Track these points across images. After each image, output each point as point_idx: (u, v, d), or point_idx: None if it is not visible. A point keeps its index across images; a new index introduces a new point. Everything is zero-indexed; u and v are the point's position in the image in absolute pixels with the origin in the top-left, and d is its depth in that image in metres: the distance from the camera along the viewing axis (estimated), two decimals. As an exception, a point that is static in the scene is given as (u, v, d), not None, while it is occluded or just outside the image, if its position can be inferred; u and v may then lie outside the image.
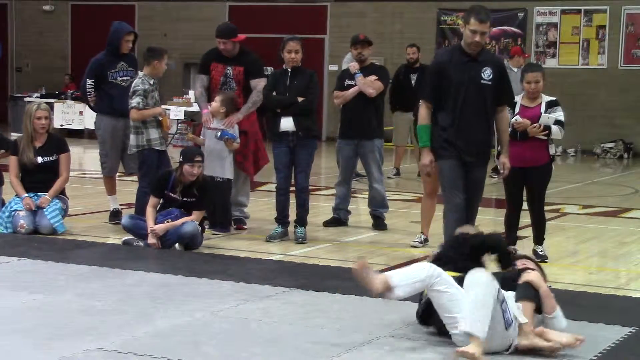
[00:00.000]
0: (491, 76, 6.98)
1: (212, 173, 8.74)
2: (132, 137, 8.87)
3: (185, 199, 8.14)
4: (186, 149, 8.40)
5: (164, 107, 9.27)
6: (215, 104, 8.85)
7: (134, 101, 8.70)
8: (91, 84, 9.48)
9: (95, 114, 9.70)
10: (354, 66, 9.39)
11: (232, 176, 8.95)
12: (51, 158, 8.87)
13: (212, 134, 8.84)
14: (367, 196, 9.85)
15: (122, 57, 9.46)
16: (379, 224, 9.52)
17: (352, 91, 9.34)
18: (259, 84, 9.09)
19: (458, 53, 7.07)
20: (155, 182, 8.35)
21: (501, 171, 7.28)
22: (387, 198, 9.71)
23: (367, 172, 9.66)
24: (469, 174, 7.11)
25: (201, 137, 8.99)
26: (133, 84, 8.83)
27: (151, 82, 8.82)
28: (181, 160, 8.13)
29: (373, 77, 9.34)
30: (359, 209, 10.34)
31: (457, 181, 7.08)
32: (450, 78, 6.96)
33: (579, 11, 19.55)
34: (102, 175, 9.77)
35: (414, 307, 5.78)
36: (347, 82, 9.44)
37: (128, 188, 9.65)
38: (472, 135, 7.00)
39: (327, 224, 9.57)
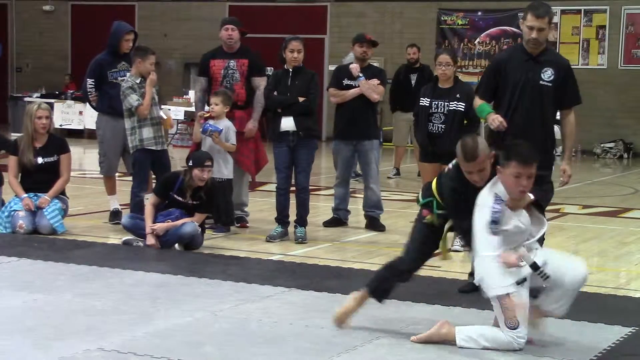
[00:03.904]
0: (552, 77, 6.54)
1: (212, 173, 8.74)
2: (128, 138, 8.90)
3: (191, 202, 8.14)
4: (196, 153, 8.36)
5: (164, 106, 9.25)
6: (217, 107, 8.82)
7: (134, 101, 8.69)
8: (91, 84, 9.49)
9: (96, 114, 9.72)
10: (356, 68, 9.28)
11: (232, 176, 8.96)
12: (52, 159, 8.87)
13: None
14: (366, 196, 9.83)
15: (122, 56, 9.47)
16: (375, 224, 9.49)
17: (352, 92, 9.27)
18: (261, 83, 9.12)
19: (518, 52, 6.67)
20: (161, 183, 8.35)
21: (561, 179, 6.77)
22: (387, 198, 9.69)
23: (365, 173, 9.60)
24: None
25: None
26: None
27: (137, 81, 8.79)
28: (191, 164, 8.11)
29: (376, 81, 9.27)
30: (359, 209, 10.33)
31: None
32: (506, 77, 6.58)
33: (579, 11, 19.55)
34: (102, 175, 9.77)
35: (414, 307, 5.79)
36: (345, 82, 9.35)
37: (128, 188, 9.64)
38: (523, 139, 6.40)
39: (327, 224, 9.56)
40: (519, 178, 5.22)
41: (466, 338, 5.27)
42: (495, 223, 5.18)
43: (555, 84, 6.58)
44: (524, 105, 6.57)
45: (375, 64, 10.54)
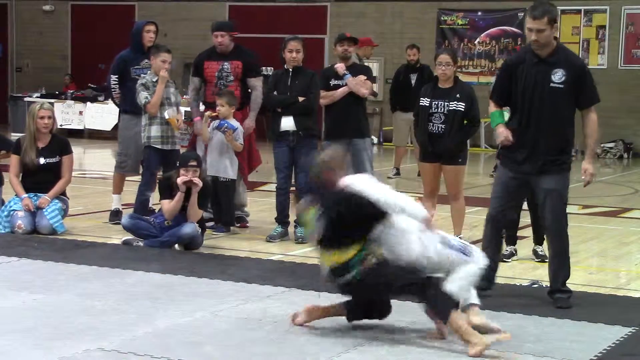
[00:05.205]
0: (563, 79, 6.31)
1: (217, 173, 8.76)
2: (142, 134, 8.94)
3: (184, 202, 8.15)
4: (182, 154, 8.44)
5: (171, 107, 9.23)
6: (223, 109, 8.81)
7: (142, 98, 8.75)
8: (115, 81, 9.48)
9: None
10: (341, 67, 9.23)
11: (235, 176, 8.96)
12: (54, 159, 8.86)
13: (218, 131, 8.83)
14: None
15: (145, 53, 9.40)
16: None
17: (341, 91, 9.18)
18: (256, 84, 9.15)
19: (529, 54, 6.44)
20: (162, 185, 8.35)
21: (582, 177, 6.53)
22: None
23: (360, 172, 9.54)
24: (536, 184, 6.44)
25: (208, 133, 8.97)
26: None
27: (154, 79, 8.84)
28: (177, 164, 8.15)
29: (363, 77, 9.22)
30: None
31: (501, 192, 6.56)
32: (516, 81, 6.41)
33: (579, 11, 19.54)
34: (111, 173, 9.69)
35: (414, 307, 5.77)
36: (333, 82, 9.21)
37: (129, 188, 9.65)
38: (537, 143, 6.41)
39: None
40: None
41: (455, 289, 5.46)
42: None
43: (567, 85, 6.35)
44: (537, 108, 6.39)
45: (373, 64, 10.53)
